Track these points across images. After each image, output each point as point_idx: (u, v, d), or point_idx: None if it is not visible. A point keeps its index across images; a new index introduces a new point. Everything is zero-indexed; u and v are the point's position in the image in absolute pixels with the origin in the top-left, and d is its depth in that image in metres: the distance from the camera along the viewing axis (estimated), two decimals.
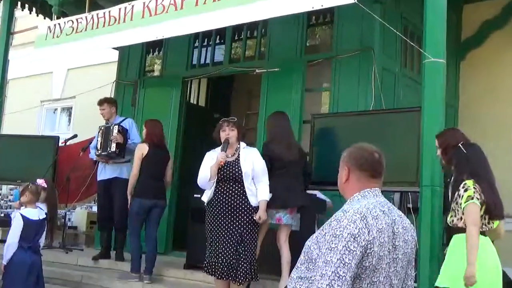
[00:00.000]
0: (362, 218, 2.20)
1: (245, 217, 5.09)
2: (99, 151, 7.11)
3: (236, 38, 8.41)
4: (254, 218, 5.10)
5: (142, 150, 6.31)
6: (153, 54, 9.27)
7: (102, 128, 7.19)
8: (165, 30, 6.26)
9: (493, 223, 3.97)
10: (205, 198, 5.25)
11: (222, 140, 5.24)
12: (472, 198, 3.85)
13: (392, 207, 2.40)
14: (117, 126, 7.04)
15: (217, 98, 10.54)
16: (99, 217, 7.43)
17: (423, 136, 4.72)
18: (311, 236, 2.34)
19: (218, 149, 5.26)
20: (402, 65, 7.26)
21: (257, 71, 7.60)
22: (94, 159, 7.44)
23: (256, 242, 5.17)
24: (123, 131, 7.08)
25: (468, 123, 8.01)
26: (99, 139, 7.13)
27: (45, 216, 5.59)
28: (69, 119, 12.70)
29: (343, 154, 2.47)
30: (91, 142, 7.59)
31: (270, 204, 5.25)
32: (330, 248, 2.14)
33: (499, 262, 3.96)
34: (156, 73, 9.23)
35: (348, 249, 2.13)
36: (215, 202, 5.14)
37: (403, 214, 2.43)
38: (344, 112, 6.35)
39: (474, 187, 3.89)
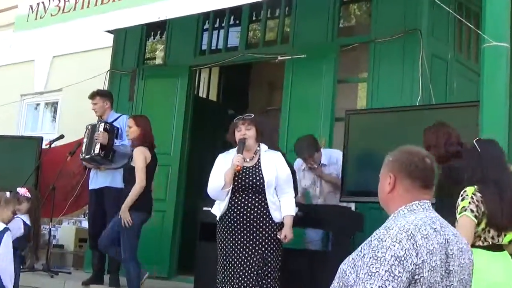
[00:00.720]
0: (409, 237, 2.18)
1: (267, 235, 5.06)
2: (83, 154, 7.14)
3: (254, 18, 8.40)
4: (278, 236, 5.08)
5: (145, 154, 6.33)
6: (154, 38, 9.31)
7: (89, 127, 7.23)
8: (169, 10, 6.27)
9: (505, 235, 3.91)
10: (217, 211, 5.22)
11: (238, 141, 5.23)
12: (465, 210, 3.82)
13: (446, 224, 2.39)
14: (103, 124, 7.06)
15: (231, 91, 10.56)
16: (90, 233, 7.47)
17: (481, 136, 4.66)
18: (346, 258, 2.33)
19: (233, 150, 5.25)
20: (455, 50, 7.22)
21: (279, 58, 7.59)
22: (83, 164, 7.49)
23: (279, 266, 5.16)
24: (111, 130, 7.10)
25: None
26: (85, 139, 7.17)
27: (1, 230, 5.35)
28: (54, 116, 12.79)
29: (387, 159, 2.46)
30: (80, 144, 7.63)
31: None
32: (370, 273, 2.13)
33: (508, 280, 3.89)
34: (158, 61, 9.26)
35: (392, 274, 2.11)
36: (230, 217, 5.10)
37: (458, 233, 2.42)
38: (385, 108, 6.31)
39: (472, 196, 3.85)
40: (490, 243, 3.87)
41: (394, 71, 6.77)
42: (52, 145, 8.43)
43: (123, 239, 6.31)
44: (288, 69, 7.58)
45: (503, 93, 4.69)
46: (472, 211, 3.81)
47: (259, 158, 5.21)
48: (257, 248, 5.03)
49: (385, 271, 2.12)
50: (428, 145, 4.51)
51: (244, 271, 5.00)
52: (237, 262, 5.03)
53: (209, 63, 8.68)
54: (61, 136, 8.46)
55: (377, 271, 2.12)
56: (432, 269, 2.19)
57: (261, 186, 5.08)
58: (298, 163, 6.57)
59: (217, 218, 5.23)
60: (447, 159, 4.54)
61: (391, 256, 2.14)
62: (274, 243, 5.08)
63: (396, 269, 2.12)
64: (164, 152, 7.70)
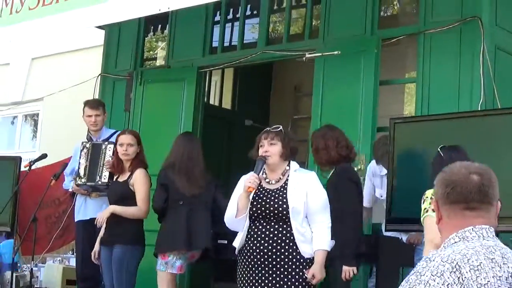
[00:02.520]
0: (454, 269, 2.18)
1: (294, 273, 5.03)
2: (82, 179, 7.15)
3: (275, 7, 8.42)
4: (306, 276, 5.05)
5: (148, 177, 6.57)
6: (154, 35, 9.33)
7: (88, 145, 7.22)
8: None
9: None
10: (237, 243, 5.25)
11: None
12: (427, 211, 4.57)
13: (511, 255, 2.36)
14: (112, 146, 7.07)
15: (248, 97, 10.58)
16: (78, 275, 7.47)
17: None
18: None
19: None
20: None
21: (307, 55, 7.58)
22: (70, 190, 7.49)
23: None
24: None
25: None
26: (83, 161, 7.16)
27: None
28: (35, 131, 12.86)
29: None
30: (66, 165, 7.66)
31: (165, 248, 6.29)
32: None
33: None
34: (160, 62, 9.26)
35: None
36: (250, 251, 5.10)
37: None
38: (438, 115, 6.27)
39: (431, 197, 4.51)
40: None
41: (449, 68, 6.73)
42: (33, 167, 8.46)
43: (119, 282, 6.39)
44: (318, 68, 7.57)
45: None
46: (433, 211, 4.21)
47: (286, 180, 5.20)
48: None
49: None
50: (316, 148, 5.78)
51: None
52: None
53: (221, 63, 8.69)
54: (44, 156, 8.46)
55: None
56: None
57: (285, 213, 5.06)
58: (374, 166, 6.62)
59: (236, 252, 5.24)
60: (338, 161, 5.74)
61: None
62: (304, 284, 5.05)
63: None
64: None
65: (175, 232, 6.27)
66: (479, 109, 6.35)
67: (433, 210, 4.20)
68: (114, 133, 7.45)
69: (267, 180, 5.22)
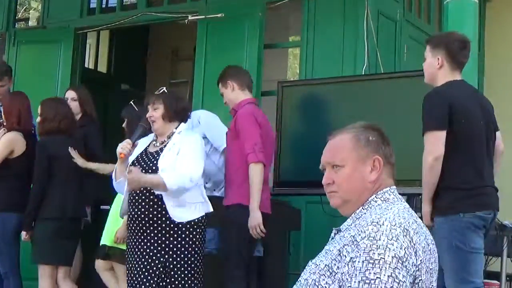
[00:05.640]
0: (405, 233, 2.17)
1: (168, 235, 4.95)
2: None
3: None
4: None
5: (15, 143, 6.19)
6: None
7: None
8: None
9: None
10: (123, 211, 5.16)
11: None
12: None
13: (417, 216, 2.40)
14: None
15: (125, 61, 10.47)
16: None
17: None
18: (312, 266, 2.29)
19: (152, 135, 5.16)
20: (405, 8, 7.34)
21: (190, 18, 7.51)
22: None
23: (201, 278, 5.08)
24: None
25: (496, 83, 8.17)
26: None
27: None
28: None
29: (366, 138, 2.42)
30: None
31: None
32: (367, 281, 2.09)
33: None
34: (33, 22, 9.02)
35: (397, 280, 2.09)
36: (131, 214, 5.04)
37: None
38: (325, 78, 6.33)
39: None
40: None
41: (334, 33, 6.82)
42: None
43: None
44: (201, 32, 7.53)
45: (472, 57, 4.75)
46: None
47: (168, 141, 5.12)
48: (158, 255, 4.96)
49: (388, 276, 2.08)
50: (45, 118, 5.88)
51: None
52: (136, 278, 4.96)
53: (100, 24, 8.54)
54: None
55: (377, 277, 2.08)
56: (428, 270, 2.21)
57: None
58: None
59: (120, 215, 5.24)
60: (54, 133, 5.88)
61: (392, 257, 2.11)
62: (179, 249, 4.95)
63: (400, 273, 2.10)
64: None
65: None
66: (363, 73, 6.45)
67: None
68: None
69: (154, 143, 5.15)
